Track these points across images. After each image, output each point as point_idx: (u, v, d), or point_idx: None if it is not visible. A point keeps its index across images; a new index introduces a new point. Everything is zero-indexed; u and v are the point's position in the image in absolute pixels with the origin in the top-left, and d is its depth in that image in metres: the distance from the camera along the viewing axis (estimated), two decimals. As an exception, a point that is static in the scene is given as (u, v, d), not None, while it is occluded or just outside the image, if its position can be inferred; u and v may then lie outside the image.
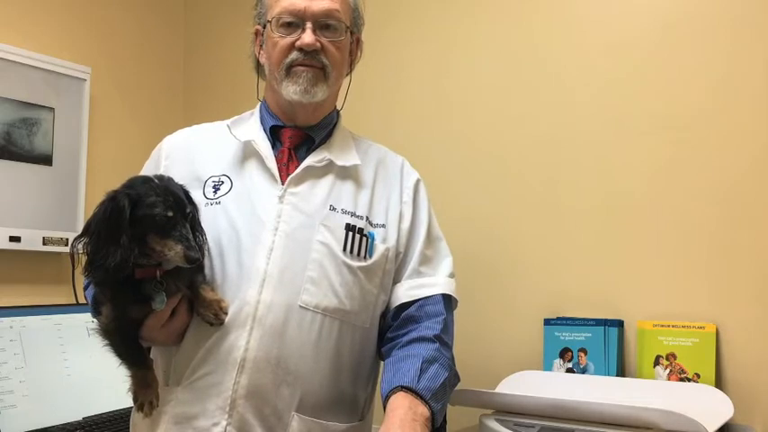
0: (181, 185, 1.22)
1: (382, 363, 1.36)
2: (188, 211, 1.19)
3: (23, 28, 2.16)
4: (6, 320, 1.87)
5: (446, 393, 1.26)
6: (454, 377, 1.31)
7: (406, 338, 1.29)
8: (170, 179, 1.21)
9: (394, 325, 1.34)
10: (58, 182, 2.17)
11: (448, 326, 1.33)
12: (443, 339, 1.30)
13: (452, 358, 1.31)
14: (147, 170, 1.38)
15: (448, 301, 1.36)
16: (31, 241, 2.09)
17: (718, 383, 1.56)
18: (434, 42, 2.04)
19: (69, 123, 2.21)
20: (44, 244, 2.12)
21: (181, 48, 2.65)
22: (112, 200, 1.13)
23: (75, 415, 1.88)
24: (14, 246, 2.05)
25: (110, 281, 1.15)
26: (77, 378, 1.93)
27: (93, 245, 1.12)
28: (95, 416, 1.90)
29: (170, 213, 1.14)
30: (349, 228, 1.30)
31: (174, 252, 1.13)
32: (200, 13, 2.62)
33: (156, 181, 1.18)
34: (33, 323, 1.92)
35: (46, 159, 2.14)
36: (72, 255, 1.17)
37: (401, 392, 1.18)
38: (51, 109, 2.16)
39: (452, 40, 2.01)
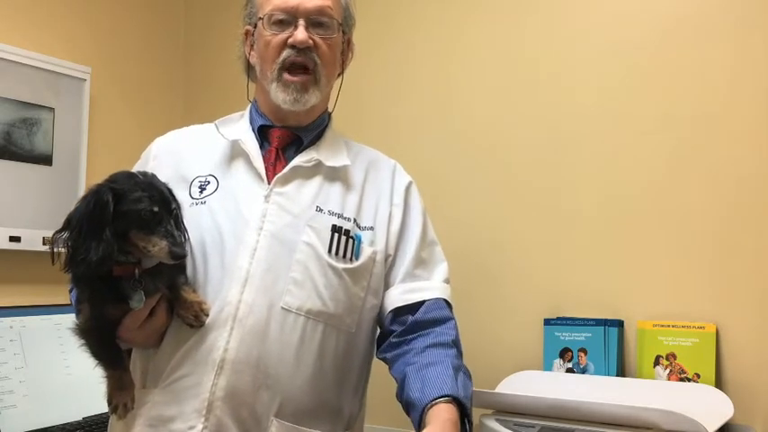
0: (164, 183, 1.19)
1: (375, 372, 1.34)
2: (173, 207, 1.16)
3: (23, 28, 2.15)
4: (6, 320, 1.87)
5: (472, 403, 1.22)
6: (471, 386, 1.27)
7: (421, 343, 1.25)
8: (154, 175, 1.19)
9: (399, 330, 1.29)
10: (58, 182, 2.17)
11: (458, 332, 1.31)
12: (459, 346, 1.28)
13: None
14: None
15: (449, 306, 1.34)
16: (31, 241, 2.09)
17: (718, 383, 1.56)
18: (435, 43, 2.04)
19: (69, 123, 2.21)
20: (44, 244, 2.12)
21: (181, 48, 2.65)
22: (96, 194, 1.10)
23: (75, 415, 1.88)
24: (14, 246, 2.05)
25: (89, 277, 1.11)
26: (77, 378, 1.92)
27: (74, 239, 1.09)
28: (95, 416, 1.90)
29: (155, 209, 1.11)
30: (335, 229, 1.27)
31: (159, 248, 1.10)
32: (200, 13, 2.62)
33: (141, 177, 1.16)
34: (33, 323, 1.92)
35: (46, 159, 2.14)
36: (51, 249, 1.13)
37: (447, 404, 1.13)
38: (51, 109, 2.16)
39: (453, 41, 2.01)
